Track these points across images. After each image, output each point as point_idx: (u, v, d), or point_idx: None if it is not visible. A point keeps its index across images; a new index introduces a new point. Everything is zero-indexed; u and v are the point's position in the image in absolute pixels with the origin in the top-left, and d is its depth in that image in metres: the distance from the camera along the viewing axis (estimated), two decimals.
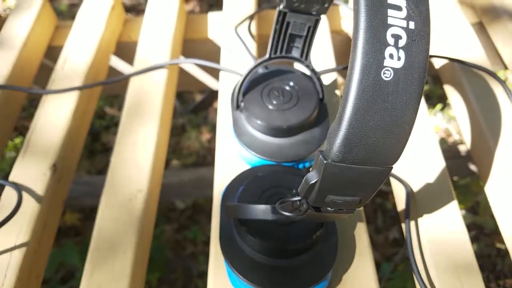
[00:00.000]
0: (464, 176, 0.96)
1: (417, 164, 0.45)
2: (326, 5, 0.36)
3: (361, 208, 0.42)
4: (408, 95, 0.21)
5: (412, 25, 0.21)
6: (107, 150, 1.18)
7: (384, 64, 0.20)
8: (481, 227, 0.96)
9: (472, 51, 0.55)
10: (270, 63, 0.43)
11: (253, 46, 0.57)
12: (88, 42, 0.59)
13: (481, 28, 0.65)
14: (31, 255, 0.40)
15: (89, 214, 1.05)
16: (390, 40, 0.20)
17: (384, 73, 0.20)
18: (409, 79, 0.21)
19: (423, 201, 0.42)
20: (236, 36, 0.58)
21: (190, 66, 0.71)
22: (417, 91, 0.21)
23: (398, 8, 0.21)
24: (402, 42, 0.21)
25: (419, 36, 0.21)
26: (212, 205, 0.42)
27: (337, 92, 0.52)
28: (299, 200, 0.26)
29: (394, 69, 0.21)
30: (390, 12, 0.21)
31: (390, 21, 0.21)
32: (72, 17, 1.45)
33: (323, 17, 0.59)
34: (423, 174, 0.44)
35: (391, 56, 0.20)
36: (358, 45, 0.20)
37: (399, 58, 0.21)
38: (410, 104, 0.21)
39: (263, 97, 0.43)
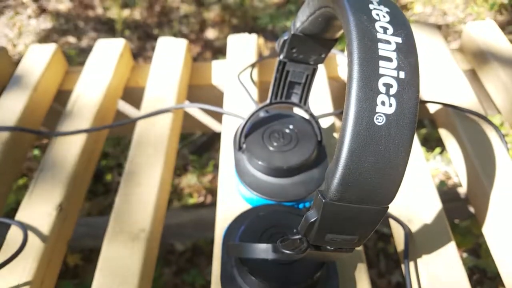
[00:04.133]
0: (464, 218, 0.96)
1: (415, 206, 0.46)
2: (323, 56, 0.39)
3: (361, 249, 0.42)
4: (400, 139, 0.22)
5: (402, 74, 0.23)
6: (109, 191, 1.19)
7: (377, 110, 0.22)
8: (484, 270, 0.95)
9: (465, 97, 0.58)
10: (271, 108, 0.46)
11: (254, 91, 0.60)
12: (97, 87, 0.62)
13: (473, 75, 0.68)
14: None
15: (89, 255, 1.04)
16: (382, 89, 0.22)
17: (377, 119, 0.22)
18: (401, 124, 0.22)
19: (422, 243, 0.43)
20: (239, 83, 0.60)
21: (195, 110, 0.74)
22: (409, 135, 0.23)
23: (389, 59, 0.23)
24: (393, 90, 0.22)
25: (409, 84, 0.23)
26: (212, 246, 0.42)
27: (335, 134, 0.54)
28: (300, 239, 0.27)
29: (386, 115, 0.22)
30: (382, 63, 0.23)
31: (381, 71, 0.22)
32: (79, 62, 1.51)
33: (321, 65, 0.62)
34: (421, 216, 0.45)
35: (383, 103, 0.22)
36: (352, 93, 0.22)
37: (390, 105, 0.22)
38: (402, 147, 0.23)
39: (264, 139, 0.45)
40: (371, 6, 0.24)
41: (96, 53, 0.68)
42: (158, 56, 0.67)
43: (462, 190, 0.95)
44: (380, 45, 0.23)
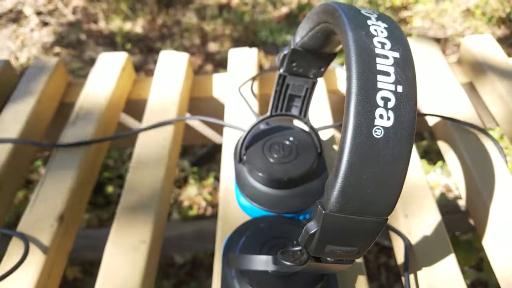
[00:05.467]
0: (465, 231, 0.96)
1: (415, 218, 0.46)
2: (322, 70, 0.39)
3: (362, 261, 0.42)
4: (398, 151, 0.23)
5: (400, 88, 0.23)
6: (109, 203, 1.19)
7: (375, 123, 0.22)
8: (486, 283, 0.94)
9: (464, 110, 0.58)
10: (271, 120, 0.46)
11: (255, 104, 0.61)
12: (99, 99, 0.62)
13: (471, 88, 0.68)
14: None
15: (89, 268, 1.04)
16: (380, 102, 0.23)
17: (375, 131, 0.22)
18: (399, 136, 0.23)
19: (422, 255, 0.43)
20: (240, 95, 0.61)
21: (196, 122, 0.74)
22: (407, 147, 0.23)
23: (387, 73, 0.23)
24: (391, 104, 0.23)
25: (407, 98, 0.23)
26: (212, 259, 0.42)
27: (334, 146, 0.54)
28: (300, 250, 0.28)
29: (384, 128, 0.23)
30: (380, 77, 0.23)
31: (379, 85, 0.23)
32: (82, 75, 1.52)
33: (320, 78, 0.62)
34: (421, 228, 0.45)
35: (381, 116, 0.23)
36: (350, 107, 0.22)
37: (388, 118, 0.23)
38: (400, 159, 0.23)
39: (265, 151, 0.45)
40: (369, 22, 0.25)
41: (99, 66, 0.69)
42: (160, 69, 0.68)
43: (462, 202, 0.95)
44: (378, 59, 0.23)
